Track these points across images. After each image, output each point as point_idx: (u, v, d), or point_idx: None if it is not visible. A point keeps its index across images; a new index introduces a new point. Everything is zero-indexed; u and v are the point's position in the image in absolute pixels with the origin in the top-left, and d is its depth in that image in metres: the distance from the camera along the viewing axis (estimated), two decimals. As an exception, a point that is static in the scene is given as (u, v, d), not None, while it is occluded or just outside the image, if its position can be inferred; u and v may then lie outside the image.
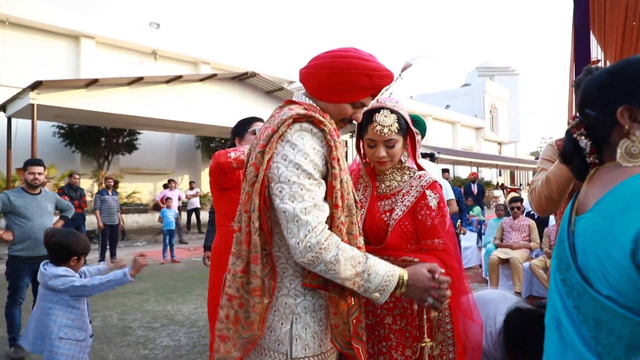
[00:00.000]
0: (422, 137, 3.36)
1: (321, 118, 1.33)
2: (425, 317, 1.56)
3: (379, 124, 1.65)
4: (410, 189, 1.75)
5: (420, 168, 1.86)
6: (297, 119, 1.31)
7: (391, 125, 1.66)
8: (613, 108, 0.87)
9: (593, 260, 0.81)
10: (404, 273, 1.35)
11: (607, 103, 0.89)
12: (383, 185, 1.80)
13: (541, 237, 6.05)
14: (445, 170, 7.11)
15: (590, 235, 0.83)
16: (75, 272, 2.56)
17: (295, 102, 1.42)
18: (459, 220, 6.31)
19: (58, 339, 2.33)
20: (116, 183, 12.51)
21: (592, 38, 5.13)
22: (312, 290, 1.35)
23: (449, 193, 3.81)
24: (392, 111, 1.68)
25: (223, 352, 1.28)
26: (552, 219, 6.48)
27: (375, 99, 1.64)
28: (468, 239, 8.26)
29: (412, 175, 1.81)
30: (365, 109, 1.67)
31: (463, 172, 28.64)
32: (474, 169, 25.10)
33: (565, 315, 0.88)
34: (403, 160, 1.82)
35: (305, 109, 1.36)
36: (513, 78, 58.69)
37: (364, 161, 1.87)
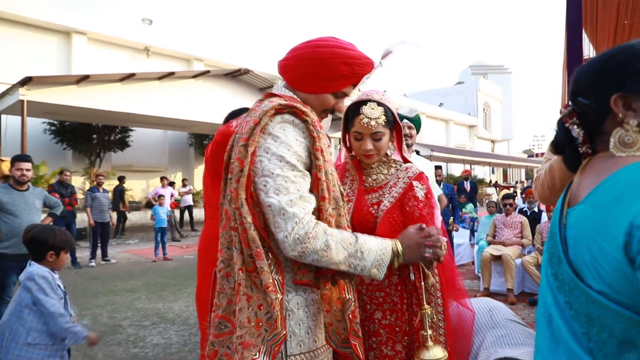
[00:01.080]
0: (417, 132, 3.34)
1: (303, 108, 1.31)
2: (422, 284, 1.54)
3: (366, 116, 1.64)
4: (398, 181, 1.75)
5: (406, 161, 1.85)
6: (279, 109, 1.29)
7: (378, 118, 1.64)
8: (606, 96, 0.84)
9: (585, 254, 0.78)
10: (395, 242, 1.36)
11: (600, 91, 0.86)
12: (370, 179, 1.79)
13: (533, 233, 6.06)
14: (438, 167, 7.10)
15: (582, 227, 0.80)
16: (57, 273, 2.46)
17: (275, 95, 1.40)
18: (452, 217, 6.31)
19: (26, 344, 2.21)
20: (122, 178, 12.50)
21: (585, 37, 5.14)
22: (303, 285, 1.33)
23: (436, 190, 3.78)
24: (379, 104, 1.67)
25: (249, 359, 1.21)
26: (544, 216, 6.49)
27: (357, 87, 1.61)
28: (461, 236, 8.27)
29: (398, 167, 1.80)
30: (352, 101, 1.67)
31: (456, 169, 28.71)
32: (467, 167, 25.17)
33: (556, 310, 0.85)
34: (389, 154, 1.81)
35: (286, 100, 1.34)
36: (506, 76, 59.02)
37: (350, 154, 1.85)
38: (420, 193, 1.71)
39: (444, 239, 1.42)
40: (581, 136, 0.89)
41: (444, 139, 33.39)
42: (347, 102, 1.59)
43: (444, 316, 1.69)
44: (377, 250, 1.30)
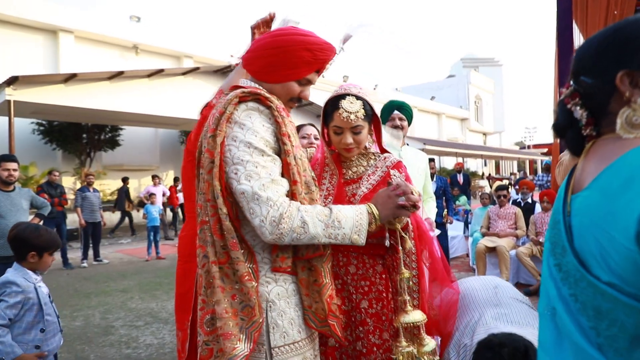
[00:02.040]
0: (409, 124, 3.29)
1: (267, 95, 1.35)
2: (400, 248, 1.57)
3: (345, 111, 1.64)
4: (376, 170, 1.79)
5: (384, 152, 1.88)
6: (243, 97, 1.33)
7: (357, 112, 1.65)
8: (611, 74, 0.78)
9: (591, 243, 0.72)
10: (368, 205, 1.41)
11: (604, 68, 0.80)
12: (350, 172, 1.82)
13: (527, 224, 6.05)
14: (431, 160, 7.05)
15: (588, 215, 0.74)
16: (39, 275, 2.34)
17: (241, 87, 1.42)
18: (445, 210, 6.28)
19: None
20: (126, 179, 12.44)
21: (575, 27, 5.14)
22: (283, 275, 1.35)
23: (430, 183, 3.72)
24: (358, 97, 1.68)
25: (230, 349, 1.22)
26: (538, 207, 6.48)
27: (320, 75, 1.61)
28: (455, 229, 8.25)
29: (377, 158, 1.84)
30: (330, 96, 1.71)
31: (449, 162, 28.76)
32: (460, 160, 25.20)
33: (560, 303, 0.80)
34: (368, 147, 1.84)
35: (249, 89, 1.38)
36: (497, 69, 59.24)
37: (329, 149, 1.86)
38: (397, 181, 1.72)
39: (411, 185, 1.47)
40: (584, 118, 0.83)
41: (436, 133, 33.42)
42: (323, 93, 1.58)
43: (418, 281, 1.74)
44: (353, 216, 1.34)
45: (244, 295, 1.26)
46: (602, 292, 0.70)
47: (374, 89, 25.85)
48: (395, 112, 3.22)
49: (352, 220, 1.33)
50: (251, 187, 1.22)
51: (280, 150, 1.33)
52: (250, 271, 1.28)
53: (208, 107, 1.65)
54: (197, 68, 13.19)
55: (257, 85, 1.42)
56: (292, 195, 1.32)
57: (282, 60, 1.40)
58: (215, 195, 1.27)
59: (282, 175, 1.32)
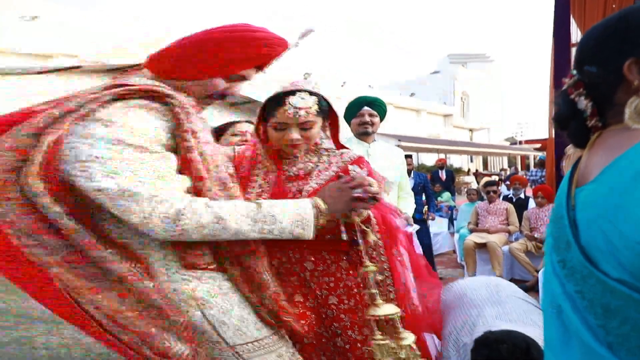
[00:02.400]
0: (382, 120, 3.22)
1: (168, 92, 1.26)
2: (362, 241, 1.52)
3: (293, 107, 1.58)
4: (330, 166, 1.73)
5: (341, 148, 1.82)
6: (122, 95, 1.22)
7: (310, 107, 1.60)
8: (618, 62, 0.75)
9: (599, 239, 0.69)
10: (313, 198, 1.36)
11: (610, 57, 0.77)
12: (295, 168, 1.74)
13: (520, 220, 5.97)
14: (408, 156, 6.84)
15: (595, 209, 0.71)
16: None
17: (126, 85, 1.28)
18: (426, 207, 6.15)
19: None
20: None
21: (573, 22, 5.15)
22: (206, 272, 1.28)
23: (407, 180, 3.64)
24: (312, 93, 1.63)
25: (164, 347, 1.18)
26: (531, 202, 6.41)
27: (261, 72, 1.54)
28: (438, 225, 8.12)
29: (330, 154, 1.78)
30: (275, 92, 1.64)
31: (429, 159, 28.49)
32: (442, 156, 25.05)
33: (566, 300, 0.77)
34: (319, 143, 1.78)
35: (141, 85, 1.27)
36: (487, 64, 59.83)
37: (265, 145, 1.77)
38: (352, 174, 1.67)
39: (370, 179, 1.43)
40: (589, 108, 0.80)
41: (414, 129, 33.03)
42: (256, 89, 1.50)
43: (392, 275, 1.70)
44: (294, 210, 1.29)
45: (142, 295, 1.18)
46: (611, 289, 0.67)
47: (342, 86, 25.51)
48: (365, 107, 3.15)
49: (291, 214, 1.29)
50: (116, 183, 1.12)
51: (178, 147, 1.25)
52: (137, 271, 1.20)
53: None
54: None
55: (154, 83, 1.31)
56: (197, 191, 1.25)
57: (205, 57, 1.33)
58: (32, 194, 1.13)
59: (183, 172, 1.25)
